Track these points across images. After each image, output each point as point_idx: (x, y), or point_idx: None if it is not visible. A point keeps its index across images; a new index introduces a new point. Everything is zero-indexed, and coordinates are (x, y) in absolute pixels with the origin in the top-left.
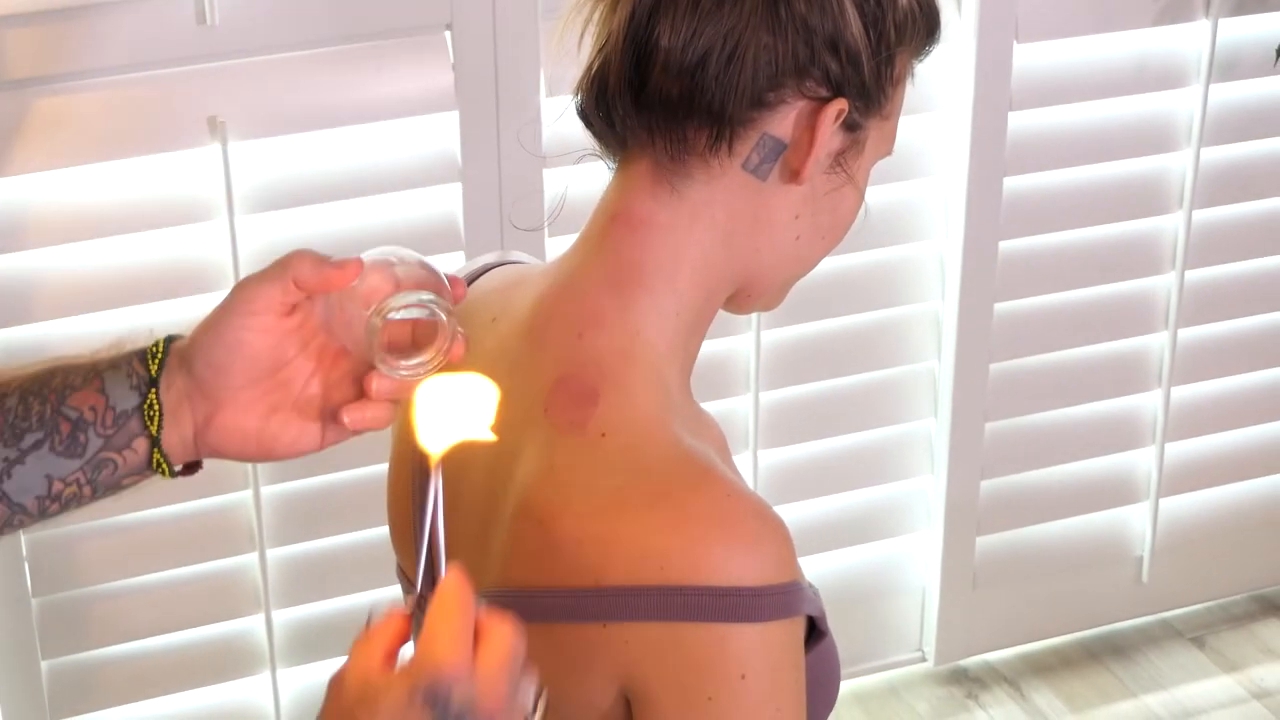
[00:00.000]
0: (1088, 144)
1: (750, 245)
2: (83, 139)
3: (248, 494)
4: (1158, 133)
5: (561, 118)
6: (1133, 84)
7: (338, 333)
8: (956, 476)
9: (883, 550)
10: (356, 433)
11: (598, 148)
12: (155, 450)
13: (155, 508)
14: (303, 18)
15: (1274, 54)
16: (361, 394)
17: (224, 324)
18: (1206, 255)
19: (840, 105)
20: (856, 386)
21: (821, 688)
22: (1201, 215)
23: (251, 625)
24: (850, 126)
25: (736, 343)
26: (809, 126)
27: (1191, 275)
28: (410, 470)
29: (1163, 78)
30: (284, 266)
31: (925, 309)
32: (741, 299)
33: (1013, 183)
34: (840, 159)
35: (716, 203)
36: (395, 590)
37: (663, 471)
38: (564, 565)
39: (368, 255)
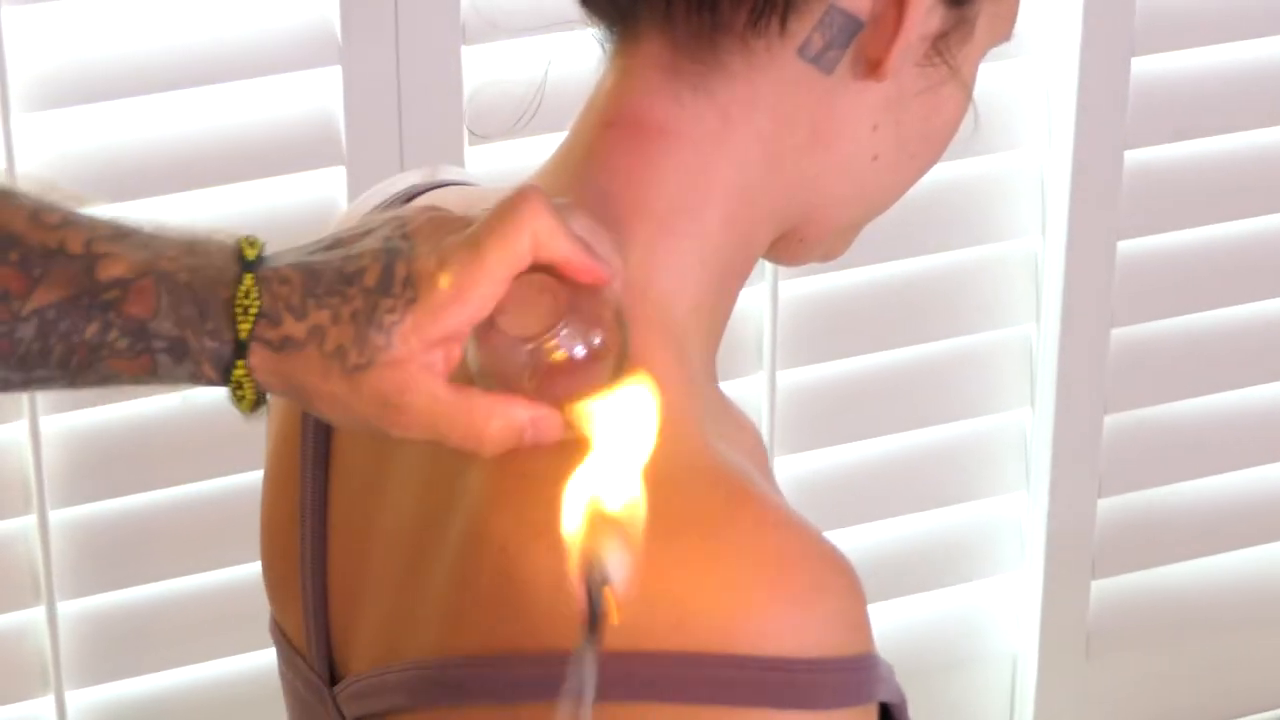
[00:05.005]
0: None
1: (806, 168)
2: None
3: (30, 520)
4: None
5: None
6: None
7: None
8: (1063, 493)
9: (956, 601)
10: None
11: (588, 20)
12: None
13: None
14: None
15: None
16: None
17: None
18: None
19: None
20: (914, 362)
21: None
22: None
23: (38, 712)
24: (955, 0)
25: (743, 299)
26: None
27: None
28: (299, 490)
29: None
30: (513, 217)
31: (1020, 248)
32: (792, 244)
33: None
34: (940, 45)
35: (760, 106)
36: (247, 662)
37: (686, 487)
38: (535, 617)
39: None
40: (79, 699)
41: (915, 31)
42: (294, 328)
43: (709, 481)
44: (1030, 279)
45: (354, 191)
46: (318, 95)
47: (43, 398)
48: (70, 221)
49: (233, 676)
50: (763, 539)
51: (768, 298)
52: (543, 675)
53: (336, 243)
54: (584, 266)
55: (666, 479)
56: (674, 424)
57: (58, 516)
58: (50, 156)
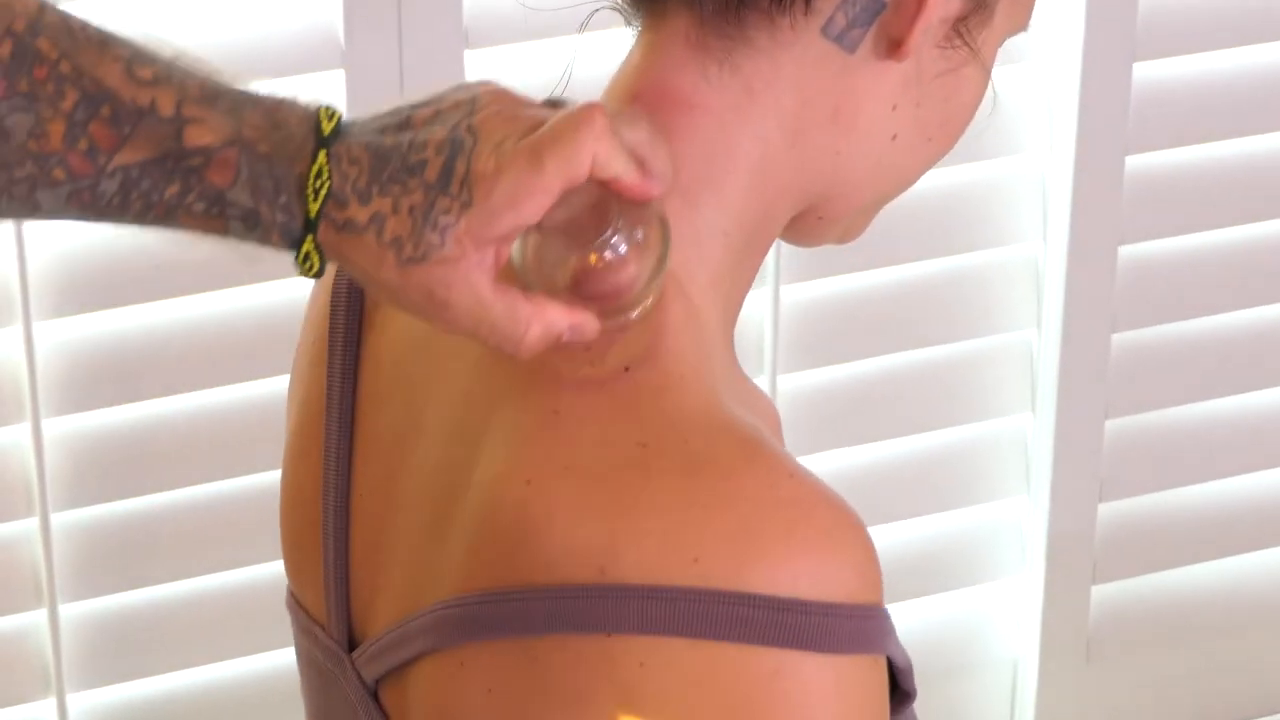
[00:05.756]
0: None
1: (828, 145)
2: None
3: (32, 523)
4: None
5: None
6: None
7: None
8: (1064, 498)
9: (956, 606)
10: None
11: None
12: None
13: None
14: None
15: None
16: None
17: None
18: None
19: None
20: (915, 366)
21: None
22: None
23: (39, 714)
24: None
25: (745, 303)
26: None
27: None
28: (323, 459)
29: None
30: (575, 137)
31: (1021, 253)
32: (810, 222)
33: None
34: (961, 28)
35: (783, 82)
36: (250, 665)
37: (702, 432)
38: (552, 550)
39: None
40: (80, 702)
41: (936, 13)
42: (357, 212)
43: (724, 429)
44: (1031, 284)
45: None
46: (320, 98)
47: (45, 402)
48: (163, 78)
49: (235, 679)
50: (778, 484)
51: (769, 301)
52: (558, 609)
53: (407, 122)
54: (635, 186)
55: (682, 423)
56: (689, 379)
57: (60, 519)
58: None
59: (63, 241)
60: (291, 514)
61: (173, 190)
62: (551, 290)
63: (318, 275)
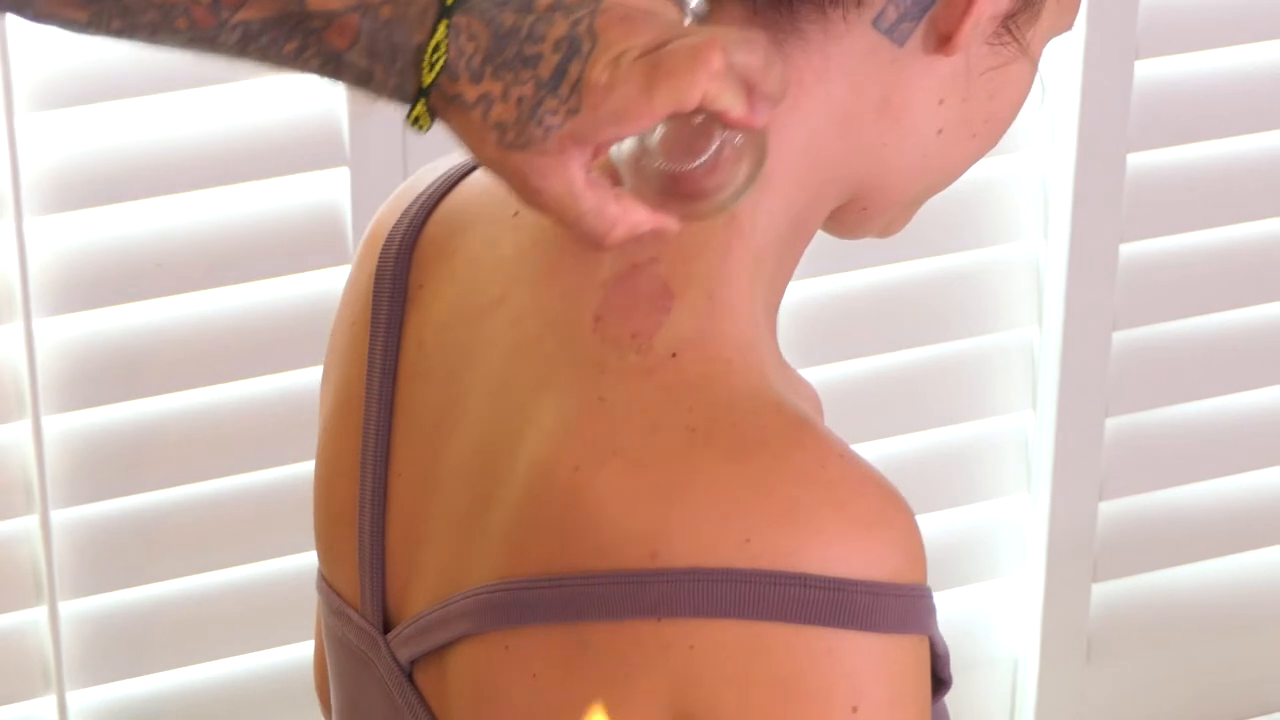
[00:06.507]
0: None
1: (874, 136)
2: None
3: (32, 520)
4: None
5: None
6: None
7: None
8: (1064, 496)
9: (957, 604)
10: None
11: None
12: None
13: None
14: None
15: None
16: None
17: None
18: None
19: None
20: (916, 364)
21: None
22: None
23: (39, 712)
24: None
25: None
26: None
27: None
28: (361, 441)
29: None
30: (691, 72)
31: (1022, 251)
32: (853, 214)
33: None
34: (1010, 24)
35: (833, 72)
36: (249, 662)
37: (754, 413)
38: (602, 536)
39: None
40: (80, 699)
41: (987, 10)
42: (467, 89)
43: (773, 412)
44: (1032, 282)
45: (357, 193)
46: (321, 95)
47: (45, 399)
48: None
49: (235, 676)
50: (828, 466)
51: None
52: (609, 594)
53: (530, 1)
54: (740, 119)
55: (731, 407)
56: (736, 363)
57: (60, 516)
58: (54, 156)
59: (63, 240)
60: (326, 494)
61: (291, 46)
62: (643, 189)
63: (425, 131)
